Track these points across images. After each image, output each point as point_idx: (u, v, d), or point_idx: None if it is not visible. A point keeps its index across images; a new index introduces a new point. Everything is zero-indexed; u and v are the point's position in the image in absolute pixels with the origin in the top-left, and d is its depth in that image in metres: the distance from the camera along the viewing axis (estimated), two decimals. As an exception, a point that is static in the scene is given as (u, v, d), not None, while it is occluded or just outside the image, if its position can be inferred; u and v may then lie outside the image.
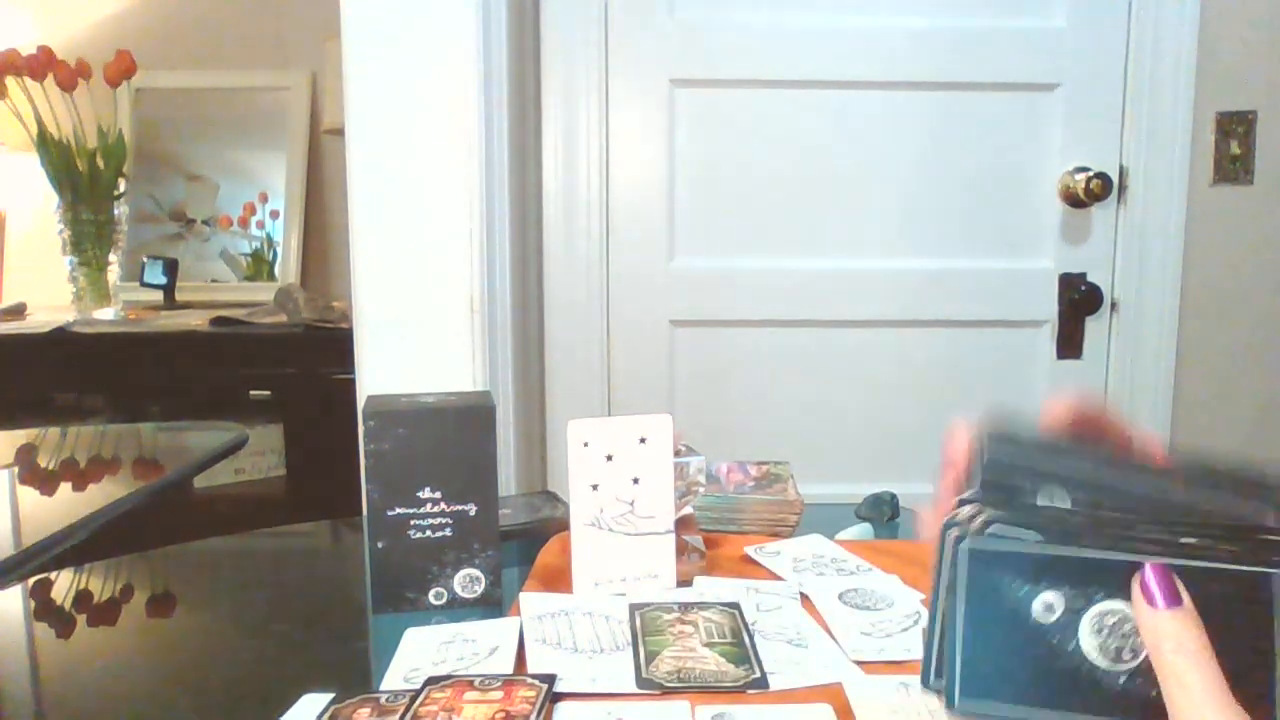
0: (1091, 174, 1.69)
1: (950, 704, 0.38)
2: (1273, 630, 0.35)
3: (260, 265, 2.18)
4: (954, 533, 0.39)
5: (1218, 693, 0.32)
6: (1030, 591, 0.37)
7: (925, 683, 0.40)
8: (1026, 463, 0.39)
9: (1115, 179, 1.72)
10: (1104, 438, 0.41)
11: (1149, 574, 0.35)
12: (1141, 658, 0.36)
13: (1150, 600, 0.34)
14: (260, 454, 1.85)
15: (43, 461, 1.38)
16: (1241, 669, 0.34)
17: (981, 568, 0.38)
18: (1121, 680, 0.36)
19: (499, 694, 0.55)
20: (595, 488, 0.73)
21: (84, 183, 1.92)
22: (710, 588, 0.75)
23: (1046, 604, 0.37)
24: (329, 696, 0.57)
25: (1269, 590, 0.35)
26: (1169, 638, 0.34)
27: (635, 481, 0.73)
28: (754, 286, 1.76)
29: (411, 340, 1.35)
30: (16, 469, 1.32)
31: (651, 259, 1.76)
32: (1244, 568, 0.35)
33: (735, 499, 0.90)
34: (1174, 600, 0.34)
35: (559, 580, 0.76)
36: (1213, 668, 0.33)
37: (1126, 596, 0.36)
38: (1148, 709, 0.36)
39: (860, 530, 0.91)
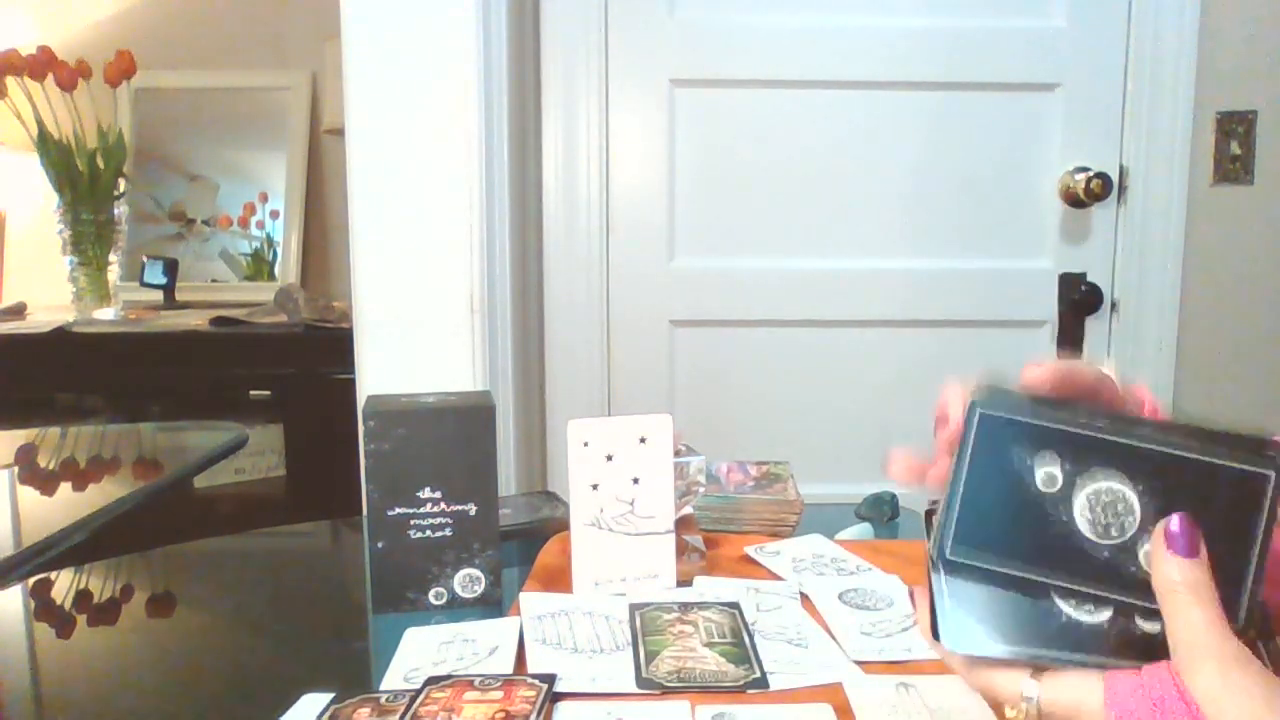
0: (1091, 174, 1.69)
1: (941, 554, 0.40)
2: (1258, 526, 0.37)
3: (260, 265, 2.18)
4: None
5: (1215, 629, 0.35)
6: (1034, 460, 0.39)
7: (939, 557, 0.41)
8: (1019, 417, 0.41)
9: (1115, 179, 1.72)
10: (1089, 396, 0.42)
11: (1176, 522, 0.37)
12: (1128, 535, 0.38)
13: (1173, 546, 0.37)
14: (260, 454, 1.84)
15: (43, 461, 1.38)
16: (1225, 560, 0.37)
17: (991, 430, 0.40)
18: (1105, 554, 0.39)
19: (499, 694, 0.55)
20: (595, 488, 0.73)
21: (84, 183, 1.92)
22: (710, 588, 0.75)
23: (1048, 474, 0.39)
24: (329, 696, 0.57)
25: (1263, 488, 0.37)
26: (1182, 580, 0.36)
27: (635, 481, 0.73)
28: (754, 286, 1.76)
29: (411, 340, 1.35)
30: (16, 469, 1.32)
31: (651, 259, 1.76)
32: (1245, 467, 0.38)
33: (735, 499, 0.90)
34: (1194, 551, 0.36)
35: (559, 580, 0.76)
36: (1215, 609, 0.35)
37: (1125, 477, 0.39)
38: (1125, 582, 0.38)
39: (860, 530, 0.91)
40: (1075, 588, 0.39)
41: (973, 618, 0.40)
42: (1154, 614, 0.37)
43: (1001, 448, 0.40)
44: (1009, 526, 0.40)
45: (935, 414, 0.44)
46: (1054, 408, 0.41)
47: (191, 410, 1.80)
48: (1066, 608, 0.39)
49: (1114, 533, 0.39)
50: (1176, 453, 0.38)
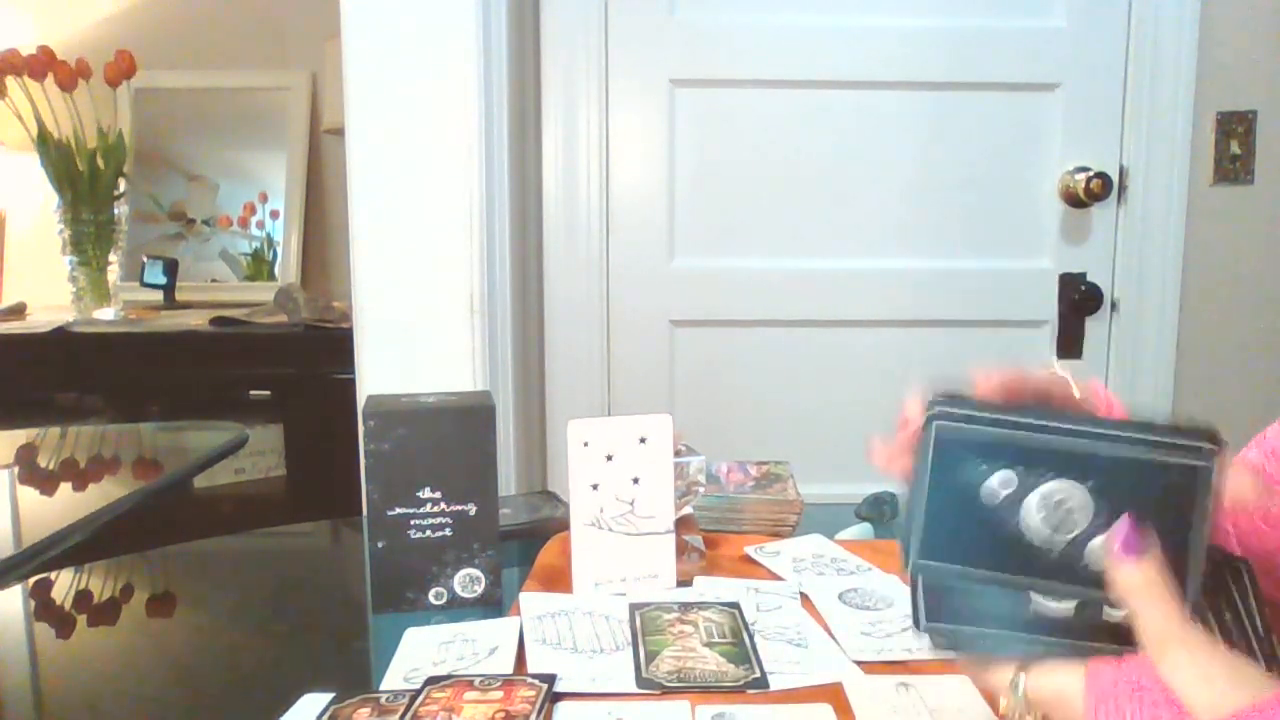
0: (1091, 174, 1.69)
1: (906, 563, 0.44)
2: (1194, 512, 0.40)
3: (260, 265, 2.18)
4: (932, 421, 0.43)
5: (1176, 620, 0.38)
6: (987, 467, 0.42)
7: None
8: (971, 428, 0.43)
9: (1115, 179, 1.72)
10: (1041, 399, 0.45)
11: (1125, 526, 0.40)
12: (1078, 530, 0.41)
13: (1126, 549, 0.40)
14: (260, 454, 1.84)
15: (43, 461, 1.38)
16: (1171, 545, 0.39)
17: (946, 442, 0.43)
18: (1056, 554, 0.41)
19: (499, 694, 0.55)
20: (595, 488, 0.73)
21: (84, 183, 1.92)
22: (710, 588, 0.75)
23: (1002, 480, 0.42)
24: (329, 696, 0.57)
25: (1193, 481, 0.40)
26: (1137, 582, 0.39)
27: (635, 481, 0.73)
28: (754, 286, 1.76)
29: (411, 340, 1.35)
30: (16, 469, 1.32)
31: (651, 259, 1.76)
32: (1179, 461, 0.40)
33: (735, 499, 0.90)
34: (1144, 551, 0.39)
35: (559, 580, 0.76)
36: (1173, 602, 0.38)
37: (1074, 478, 0.41)
38: (1079, 578, 0.41)
39: (860, 530, 0.91)
40: (1034, 588, 0.42)
41: (949, 608, 0.43)
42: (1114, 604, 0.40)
43: (957, 457, 0.42)
44: (968, 533, 0.42)
45: (899, 420, 0.47)
46: (1006, 413, 0.43)
47: (191, 410, 1.80)
48: (1036, 519, 0.41)
49: (1065, 531, 0.41)
50: (1119, 454, 0.41)
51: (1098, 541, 0.40)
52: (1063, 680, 0.40)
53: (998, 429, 0.42)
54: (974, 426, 0.42)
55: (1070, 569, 0.41)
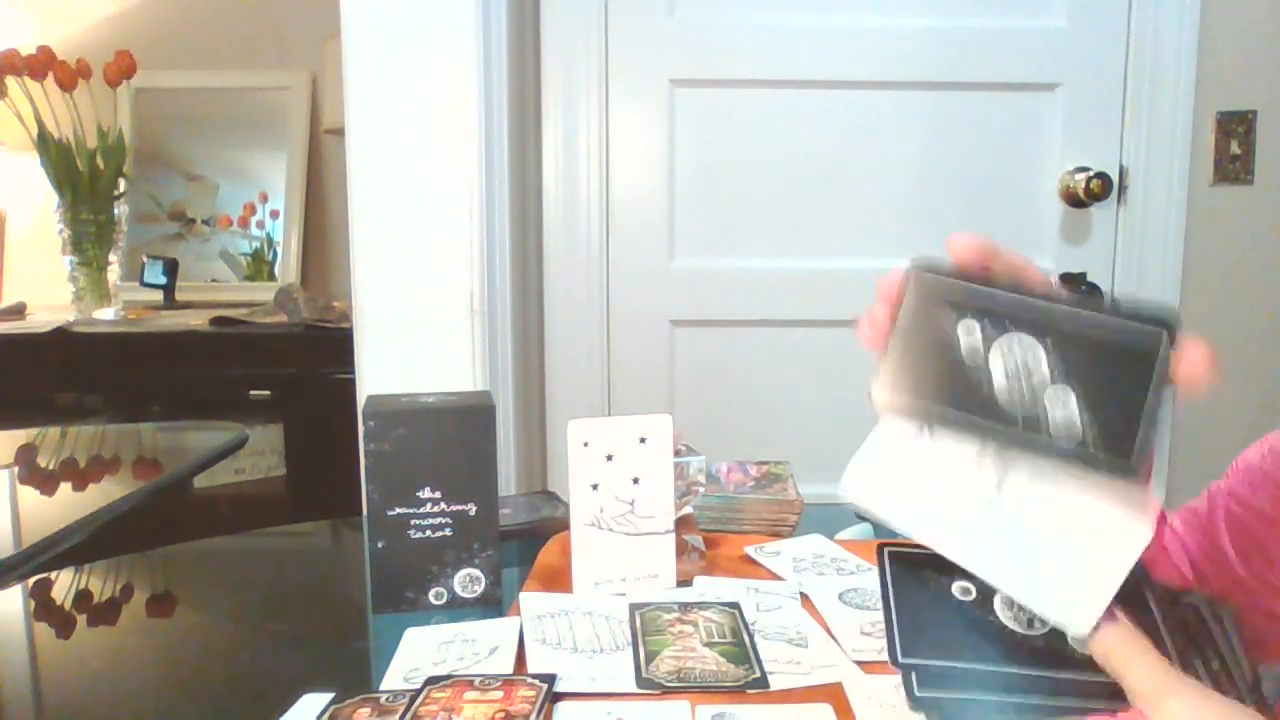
0: (1091, 174, 1.69)
1: (894, 660, 0.45)
2: (1149, 382, 0.41)
3: (260, 265, 2.18)
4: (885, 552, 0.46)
5: (1161, 671, 0.39)
6: (958, 319, 0.44)
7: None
8: (947, 295, 0.45)
9: (1115, 179, 1.72)
10: (1010, 274, 0.46)
11: None
12: (1037, 381, 0.42)
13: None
14: (260, 454, 1.84)
15: (43, 461, 1.38)
16: (1125, 406, 0.41)
17: (923, 291, 0.45)
18: (1039, 641, 0.43)
19: (499, 694, 0.55)
20: (595, 488, 0.73)
21: (84, 183, 1.92)
22: (710, 588, 0.75)
23: (966, 328, 0.44)
24: (329, 696, 0.57)
25: (1154, 349, 0.41)
26: (1114, 644, 0.40)
27: (635, 481, 0.73)
28: (754, 286, 1.76)
29: (411, 340, 1.35)
30: (16, 469, 1.32)
31: (651, 259, 1.76)
32: (1140, 325, 0.42)
33: (735, 499, 0.90)
34: (1110, 617, 0.40)
35: (559, 580, 0.76)
36: (1153, 654, 0.39)
37: (1035, 334, 0.42)
38: (1065, 661, 0.42)
39: (860, 530, 0.91)
40: (995, 427, 0.42)
41: (923, 638, 0.44)
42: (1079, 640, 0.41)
43: (930, 304, 0.45)
44: (937, 374, 0.44)
45: (879, 291, 0.49)
46: (977, 279, 0.45)
47: (191, 410, 1.80)
48: (1006, 619, 0.43)
49: (1037, 625, 0.44)
50: (1081, 315, 0.42)
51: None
52: None
53: (968, 283, 0.44)
54: (947, 278, 0.45)
55: (1061, 655, 0.42)
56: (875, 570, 0.78)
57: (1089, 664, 0.41)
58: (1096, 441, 0.40)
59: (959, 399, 0.43)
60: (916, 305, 0.45)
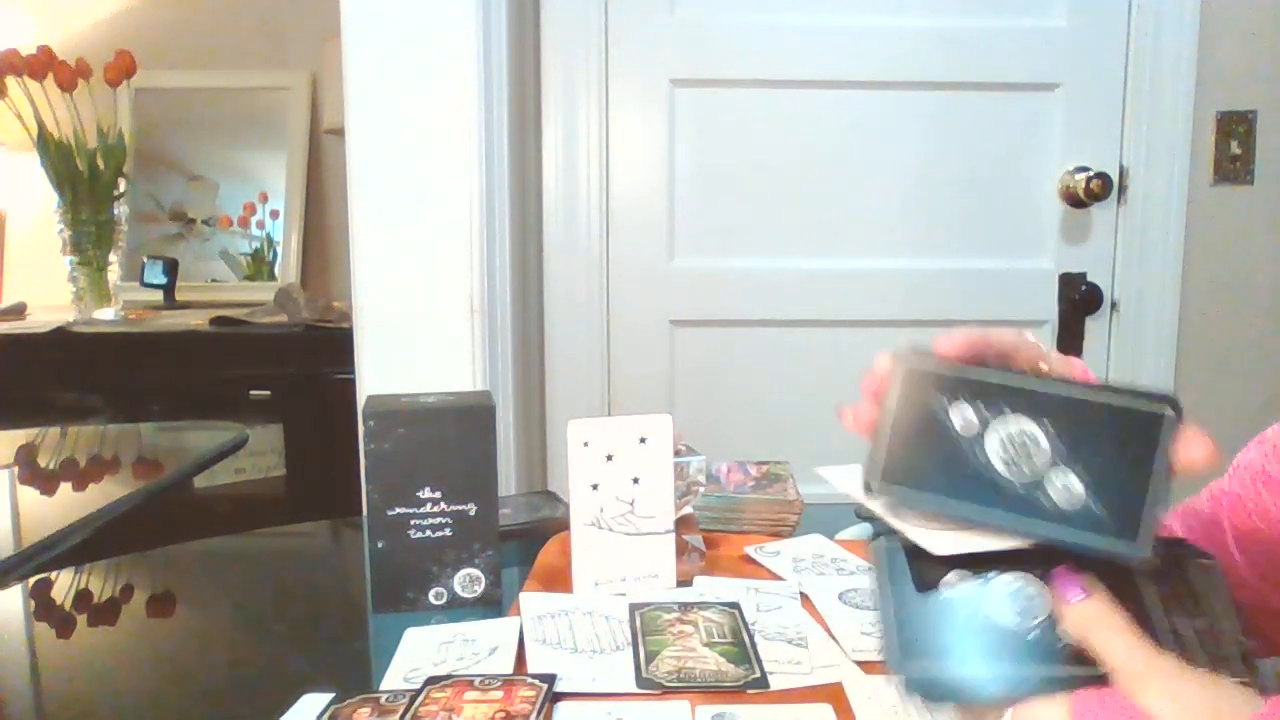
0: (1091, 174, 1.69)
1: (868, 490, 0.45)
2: (1152, 463, 0.40)
3: (260, 265, 2.18)
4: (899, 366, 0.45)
5: (1140, 649, 0.38)
6: (951, 405, 0.43)
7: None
8: (937, 380, 0.44)
9: (1115, 179, 1.72)
10: (1005, 359, 0.46)
11: (1060, 576, 0.40)
12: (1038, 469, 0.41)
13: (1069, 594, 0.40)
14: (260, 454, 1.84)
15: (43, 461, 1.38)
16: (1126, 489, 0.40)
17: (913, 379, 0.44)
18: (1019, 489, 0.42)
19: (499, 694, 0.55)
20: (595, 488, 0.73)
21: (84, 183, 1.92)
22: (710, 588, 0.75)
23: (961, 413, 0.43)
24: (329, 696, 0.57)
25: (1157, 429, 0.41)
26: (1091, 621, 0.39)
27: (635, 481, 0.73)
28: (754, 286, 1.76)
29: (411, 340, 1.35)
30: (16, 469, 1.32)
31: (651, 259, 1.76)
32: (1144, 408, 0.41)
33: (735, 499, 0.90)
34: (1087, 590, 0.40)
35: (559, 580, 0.76)
36: (1132, 632, 0.38)
37: (1034, 419, 0.42)
38: (1040, 509, 0.41)
39: (860, 530, 0.91)
40: (991, 520, 0.42)
41: (922, 638, 0.43)
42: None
43: (921, 390, 0.44)
44: (931, 460, 0.43)
45: (865, 377, 0.48)
46: (966, 370, 0.44)
47: (191, 410, 1.80)
48: (997, 460, 0.42)
49: (1025, 469, 0.42)
50: (1081, 397, 0.42)
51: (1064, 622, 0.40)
52: (1048, 715, 0.39)
53: (958, 366, 0.44)
54: (937, 367, 0.44)
55: (1035, 505, 0.41)
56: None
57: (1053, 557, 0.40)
58: (1102, 523, 0.40)
59: (957, 484, 0.42)
60: (905, 392, 0.44)
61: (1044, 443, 0.42)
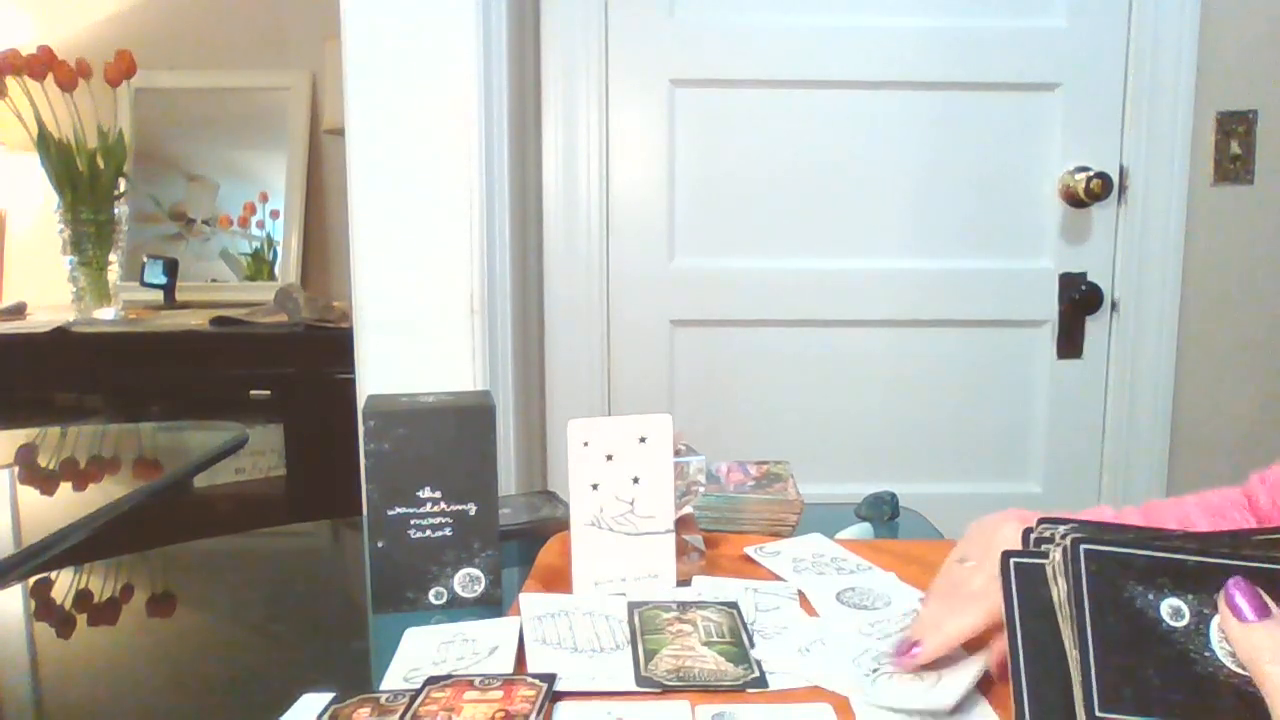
0: (1091, 174, 1.69)
1: (1090, 713, 0.35)
2: None
3: (260, 265, 2.18)
4: (1055, 552, 0.36)
5: None
6: (1155, 596, 0.35)
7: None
8: (1116, 543, 0.37)
9: (1115, 179, 1.72)
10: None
11: (1234, 589, 0.35)
12: None
13: (1239, 615, 0.34)
14: (260, 454, 1.84)
15: (43, 461, 1.38)
16: None
17: (1101, 570, 0.35)
18: (1252, 687, 0.34)
19: (499, 694, 0.55)
20: (595, 488, 0.73)
21: (84, 183, 1.92)
22: (710, 587, 0.75)
23: (1173, 608, 0.35)
24: (329, 696, 0.57)
25: None
26: (1264, 648, 0.33)
27: (635, 481, 0.73)
28: (754, 286, 1.76)
29: (411, 340, 1.35)
30: (16, 469, 1.32)
31: (651, 259, 1.76)
32: None
33: (735, 499, 0.90)
34: (1263, 612, 0.34)
35: (559, 580, 0.76)
36: None
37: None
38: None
39: (860, 530, 0.91)
40: None
41: (1126, 680, 0.35)
42: None
43: (1115, 587, 0.35)
44: (1150, 675, 0.35)
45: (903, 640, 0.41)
46: (1137, 538, 0.37)
47: (191, 410, 1.80)
48: (1223, 654, 0.35)
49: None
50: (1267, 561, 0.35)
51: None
52: None
53: (1147, 550, 0.35)
54: (1121, 549, 0.35)
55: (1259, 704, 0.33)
56: (876, 570, 0.78)
57: None
58: None
59: (1198, 699, 0.34)
60: (1096, 588, 0.35)
61: None
